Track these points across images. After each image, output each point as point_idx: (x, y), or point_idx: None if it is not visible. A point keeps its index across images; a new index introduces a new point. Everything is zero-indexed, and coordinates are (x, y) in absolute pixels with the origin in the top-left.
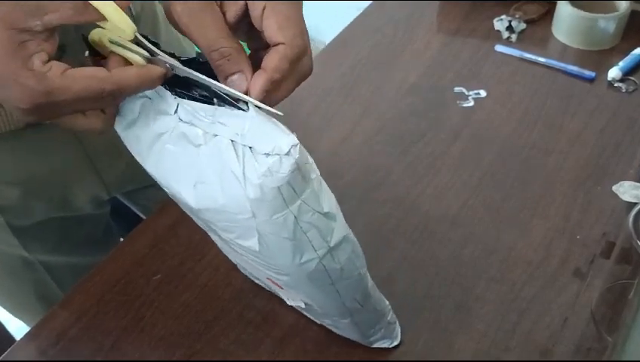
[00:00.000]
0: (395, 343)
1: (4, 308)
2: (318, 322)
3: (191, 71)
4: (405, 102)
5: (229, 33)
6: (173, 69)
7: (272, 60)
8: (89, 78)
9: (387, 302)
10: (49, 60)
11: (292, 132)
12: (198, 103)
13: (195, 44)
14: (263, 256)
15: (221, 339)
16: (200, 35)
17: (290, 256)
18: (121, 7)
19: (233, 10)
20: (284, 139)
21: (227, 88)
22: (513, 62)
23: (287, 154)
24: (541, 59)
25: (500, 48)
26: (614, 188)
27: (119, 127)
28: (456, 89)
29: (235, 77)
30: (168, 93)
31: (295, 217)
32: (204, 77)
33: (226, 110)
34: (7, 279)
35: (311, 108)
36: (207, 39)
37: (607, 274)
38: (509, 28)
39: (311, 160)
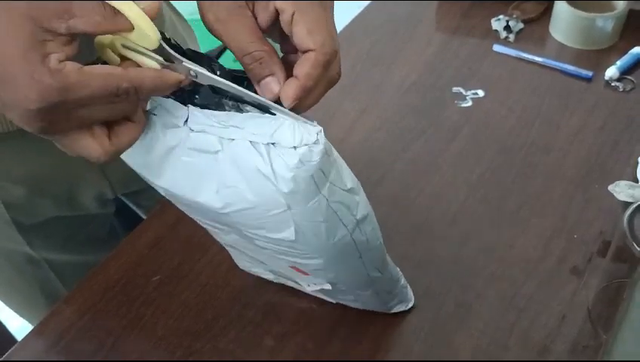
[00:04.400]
0: (410, 305)
1: (8, 305)
2: (334, 302)
3: (216, 78)
4: (405, 100)
5: (260, 37)
6: (196, 76)
7: (304, 67)
8: (106, 74)
9: (398, 268)
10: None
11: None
12: (209, 110)
13: (229, 49)
14: (298, 243)
15: (220, 338)
16: (231, 40)
17: (324, 238)
18: (149, 14)
19: (264, 15)
20: (309, 128)
21: (252, 95)
22: (511, 61)
23: (316, 142)
24: (539, 59)
25: (497, 48)
26: (610, 188)
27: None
28: (454, 89)
29: (267, 79)
30: (177, 104)
31: (327, 199)
32: (229, 83)
33: (237, 113)
34: (13, 276)
35: None
36: (238, 44)
37: (604, 273)
38: (507, 28)
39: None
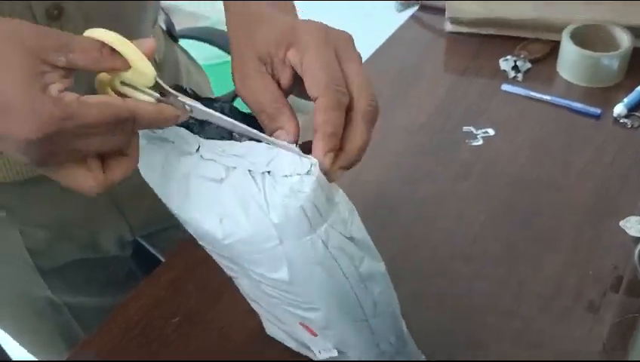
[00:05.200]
0: None
1: (27, 348)
2: None
3: (211, 112)
4: (415, 141)
5: (272, 94)
6: (192, 111)
7: (317, 117)
8: (105, 103)
9: (424, 357)
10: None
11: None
12: (214, 140)
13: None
14: (294, 286)
15: None
16: (248, 100)
17: (321, 284)
18: (146, 54)
19: (284, 74)
20: (304, 159)
21: (250, 129)
22: (520, 100)
23: (308, 172)
24: (547, 97)
25: (506, 87)
26: (621, 223)
27: (149, 178)
28: (465, 128)
29: (277, 133)
30: (189, 133)
31: (323, 241)
32: (225, 117)
33: (236, 142)
34: (33, 320)
35: None
36: (253, 103)
37: (617, 308)
38: (515, 67)
39: (336, 184)
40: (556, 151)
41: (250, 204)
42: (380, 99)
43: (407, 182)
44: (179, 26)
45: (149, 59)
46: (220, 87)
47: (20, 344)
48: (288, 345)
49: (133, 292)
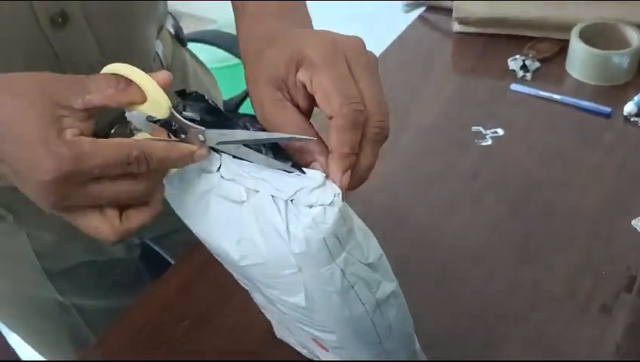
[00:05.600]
0: None
1: (36, 350)
2: None
3: (226, 131)
4: (424, 142)
5: (299, 127)
6: (205, 140)
7: (333, 138)
8: (117, 142)
9: None
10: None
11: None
12: (239, 160)
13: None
14: (310, 312)
15: None
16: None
17: (337, 310)
18: (162, 85)
19: (303, 99)
20: (327, 189)
21: (269, 134)
22: (529, 100)
23: (331, 204)
24: (557, 97)
25: (515, 87)
26: (633, 222)
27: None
28: (474, 128)
29: (312, 165)
30: (212, 151)
31: (342, 270)
32: (239, 131)
33: (265, 168)
34: (42, 322)
35: None
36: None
37: (631, 308)
38: (524, 67)
39: (351, 210)
40: (566, 150)
41: (270, 230)
42: (388, 101)
43: (416, 183)
44: (186, 29)
45: (163, 90)
46: (227, 90)
47: (28, 344)
48: (298, 350)
49: (142, 295)
